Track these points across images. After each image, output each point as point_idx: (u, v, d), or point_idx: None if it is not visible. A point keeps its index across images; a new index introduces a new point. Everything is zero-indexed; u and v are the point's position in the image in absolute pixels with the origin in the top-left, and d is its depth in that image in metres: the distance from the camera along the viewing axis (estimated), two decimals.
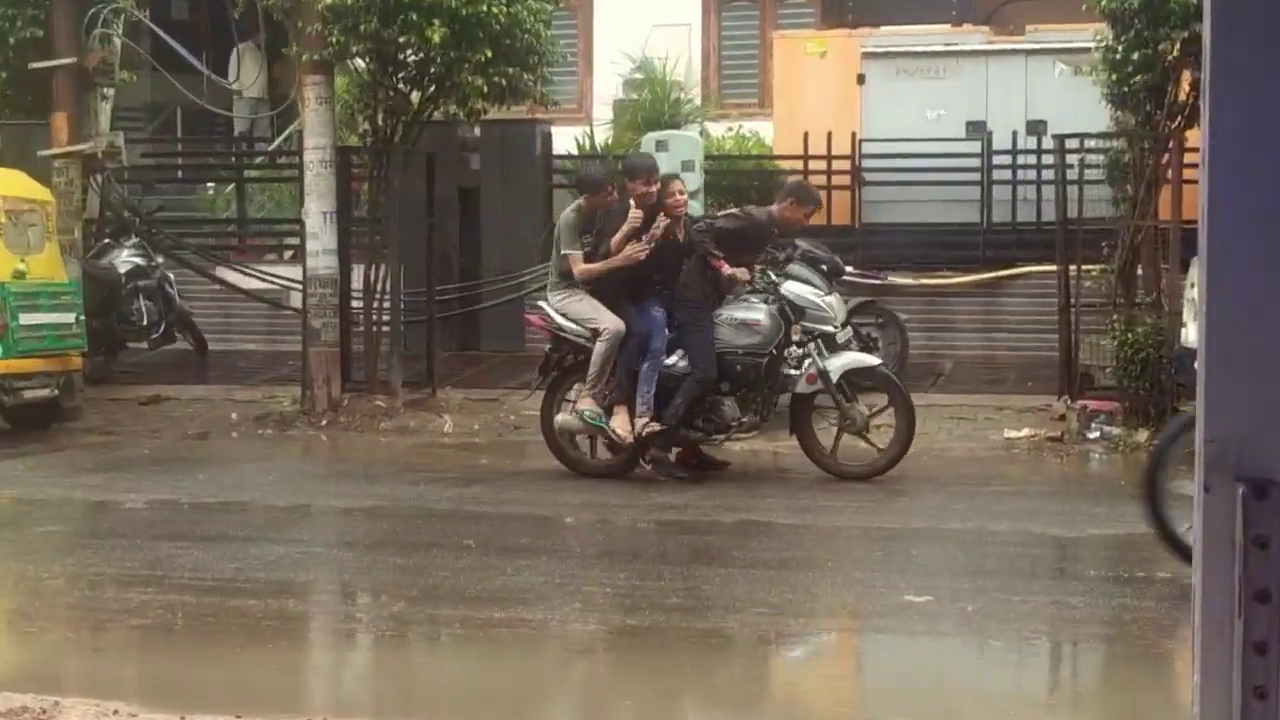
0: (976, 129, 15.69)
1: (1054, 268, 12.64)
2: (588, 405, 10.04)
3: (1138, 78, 11.47)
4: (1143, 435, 11.07)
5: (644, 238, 9.99)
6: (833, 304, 10.25)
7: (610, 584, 7.59)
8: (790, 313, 10.09)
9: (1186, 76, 11.41)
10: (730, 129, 17.66)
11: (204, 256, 16.10)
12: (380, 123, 13.08)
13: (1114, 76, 11.68)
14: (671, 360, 10.08)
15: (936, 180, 15.38)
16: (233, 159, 18.83)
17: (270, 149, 18.64)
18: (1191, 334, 7.18)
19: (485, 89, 12.50)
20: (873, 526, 8.82)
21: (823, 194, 12.68)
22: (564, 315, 10.23)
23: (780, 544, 8.37)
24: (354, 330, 13.07)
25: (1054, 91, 15.43)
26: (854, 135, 15.63)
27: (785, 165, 16.12)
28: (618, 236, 10.07)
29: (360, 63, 13.10)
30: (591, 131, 17.45)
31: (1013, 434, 11.53)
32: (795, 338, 10.15)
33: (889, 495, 9.63)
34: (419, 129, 13.24)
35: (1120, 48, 11.56)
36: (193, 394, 13.68)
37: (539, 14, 12.83)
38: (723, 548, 8.24)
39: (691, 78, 18.53)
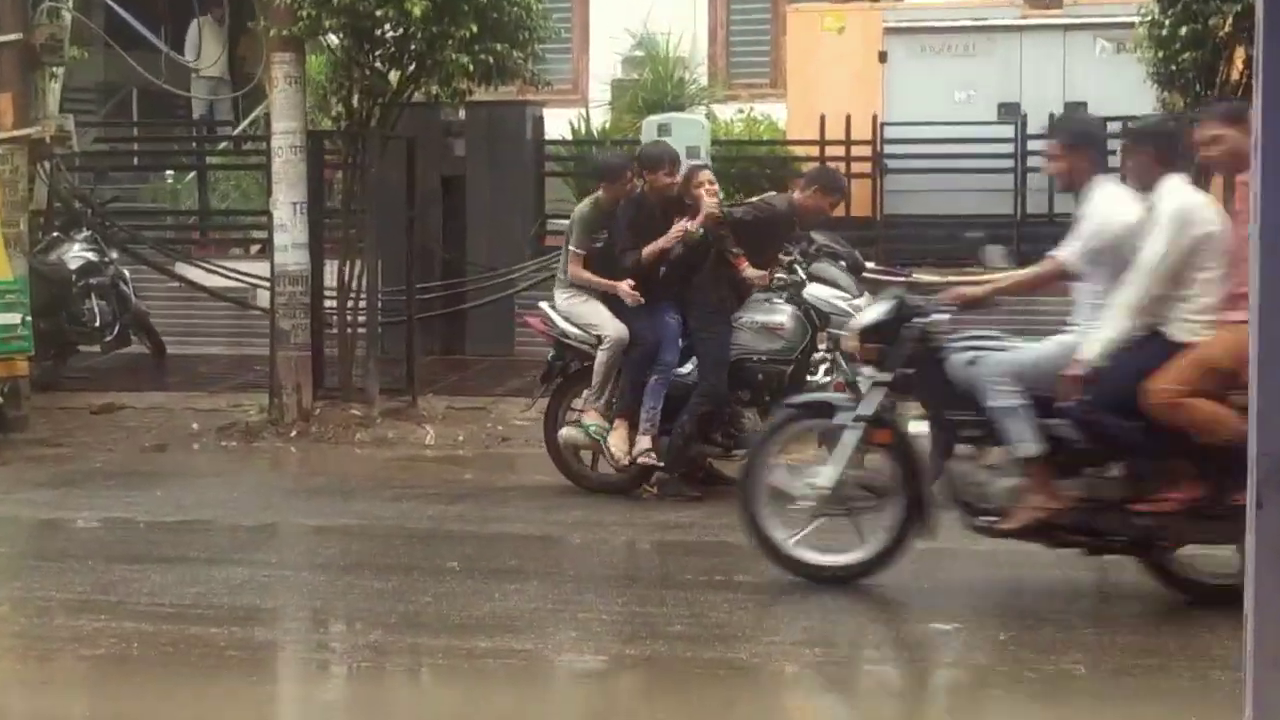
0: (1009, 111, 15.71)
1: None
2: (593, 419, 10.05)
3: (1186, 55, 11.48)
4: None
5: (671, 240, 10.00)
6: (862, 306, 10.20)
7: (607, 610, 7.58)
8: (814, 318, 10.04)
9: (1240, 54, 11.42)
10: (740, 111, 17.68)
11: (162, 251, 16.10)
12: (355, 105, 13.07)
13: (1160, 54, 11.69)
14: (686, 369, 10.06)
15: (965, 168, 15.40)
16: (194, 145, 18.85)
17: (235, 133, 18.67)
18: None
19: (470, 67, 12.49)
20: None
21: None
22: (568, 318, 10.24)
23: None
24: (327, 332, 13.07)
25: (1094, 71, 15.45)
26: (875, 118, 15.65)
27: (800, 151, 16.14)
28: (652, 248, 10.04)
29: (334, 39, 13.10)
30: (587, 114, 17.47)
31: None
32: (820, 346, 10.12)
33: None
34: (398, 112, 13.24)
35: (1167, 22, 11.57)
36: (150, 402, 13.67)
37: None
38: (731, 570, 8.23)
39: (697, 55, 18.56)
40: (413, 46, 12.58)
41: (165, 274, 15.72)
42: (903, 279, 14.02)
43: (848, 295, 10.14)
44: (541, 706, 6.51)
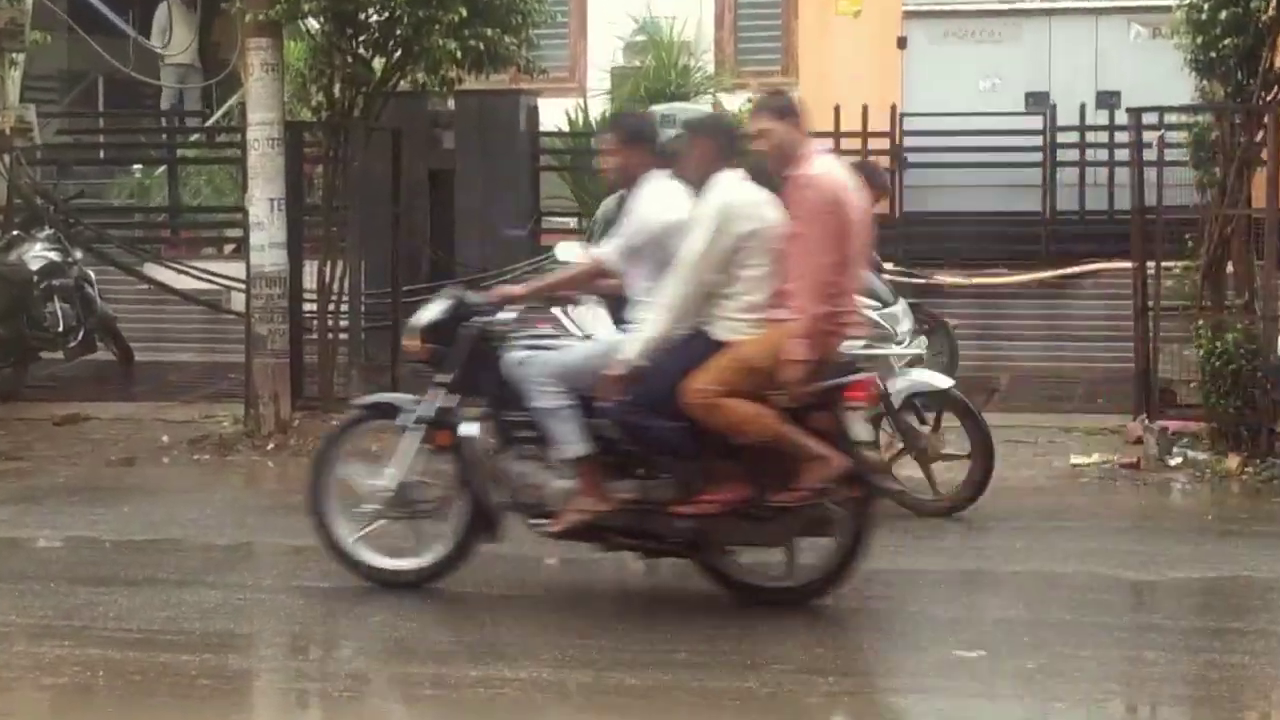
0: (1038, 101, 15.70)
1: (1129, 265, 12.64)
2: None
3: (1227, 41, 11.47)
4: (1233, 461, 11.07)
5: None
6: (897, 315, 10.18)
7: (607, 635, 7.57)
8: None
9: None
10: (748, 101, 17.62)
11: (130, 251, 16.10)
12: (337, 94, 13.09)
13: (1199, 40, 11.68)
14: None
15: (991, 162, 15.38)
16: (164, 137, 18.86)
17: (208, 125, 18.67)
18: None
19: (459, 54, 12.51)
20: (914, 569, 8.81)
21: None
22: (579, 326, 10.20)
23: None
24: (306, 338, 13.07)
25: (1128, 57, 15.44)
26: (894, 109, 15.65)
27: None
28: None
29: (314, 23, 13.12)
30: (585, 104, 17.47)
31: (1081, 460, 11.53)
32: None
33: (932, 533, 9.62)
34: (383, 101, 13.26)
35: (1206, 6, 11.56)
36: (116, 412, 13.67)
37: None
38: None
39: (703, 40, 18.56)
40: (398, 31, 12.59)
41: (133, 275, 15.72)
42: (923, 281, 14.13)
43: (879, 304, 10.07)
44: None
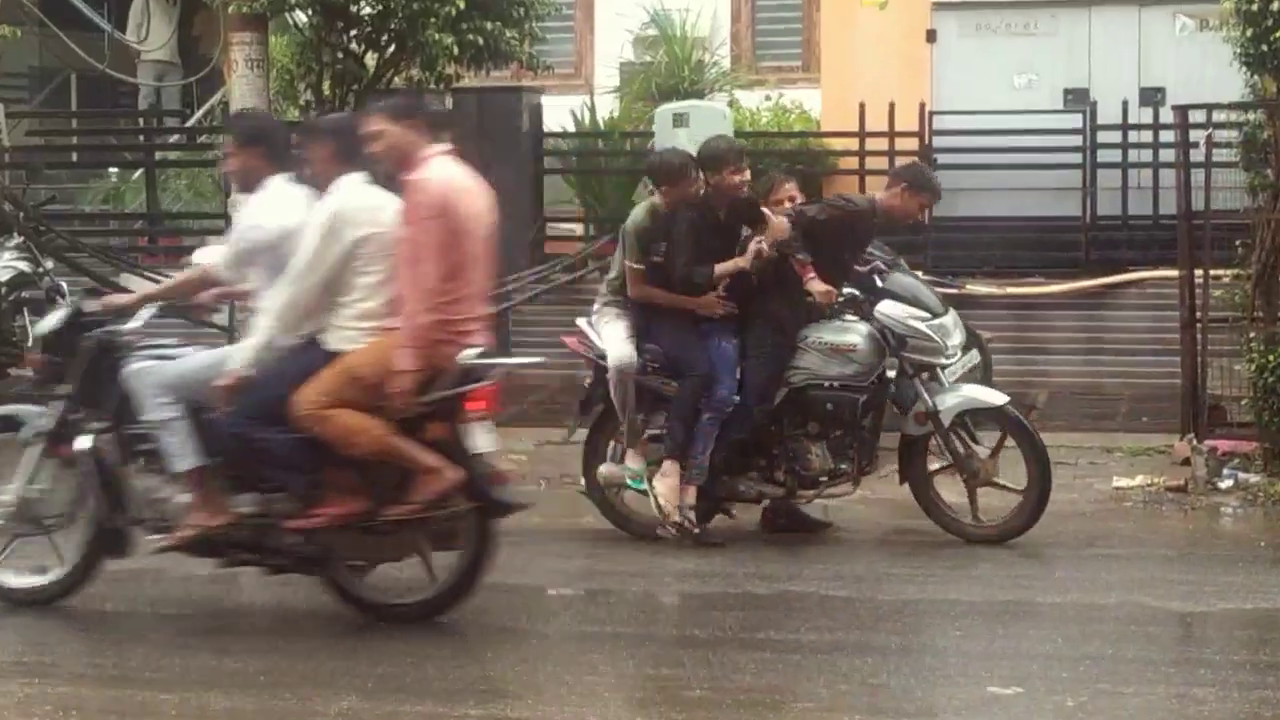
0: (1077, 99, 15.73)
1: (1175, 273, 12.64)
2: (632, 462, 9.97)
3: (1278, 34, 11.48)
4: None
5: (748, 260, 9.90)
6: (947, 326, 10.12)
7: (616, 672, 7.59)
8: (889, 339, 9.93)
9: None
10: (767, 99, 17.71)
11: (106, 260, 16.12)
12: (327, 91, 13.13)
13: (1249, 32, 11.68)
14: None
15: (1026, 163, 15.40)
16: (141, 138, 18.90)
17: (188, 125, 18.70)
18: None
19: (457, 49, 12.55)
20: (946, 599, 8.80)
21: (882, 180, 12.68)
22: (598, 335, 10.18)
23: (830, 622, 8.36)
24: None
25: (1173, 51, 15.47)
26: (922, 107, 15.67)
27: (836, 145, 16.16)
28: (727, 268, 9.96)
29: (302, 16, 13.16)
30: (592, 102, 17.49)
31: (1124, 482, 11.53)
32: (890, 372, 10.03)
33: (967, 560, 9.62)
34: (376, 99, 13.26)
35: None
36: None
37: None
38: (757, 626, 8.23)
39: (718, 34, 18.60)
40: (392, 25, 12.62)
41: (108, 286, 15.72)
42: (954, 290, 14.12)
43: (927, 315, 10.04)
44: None
